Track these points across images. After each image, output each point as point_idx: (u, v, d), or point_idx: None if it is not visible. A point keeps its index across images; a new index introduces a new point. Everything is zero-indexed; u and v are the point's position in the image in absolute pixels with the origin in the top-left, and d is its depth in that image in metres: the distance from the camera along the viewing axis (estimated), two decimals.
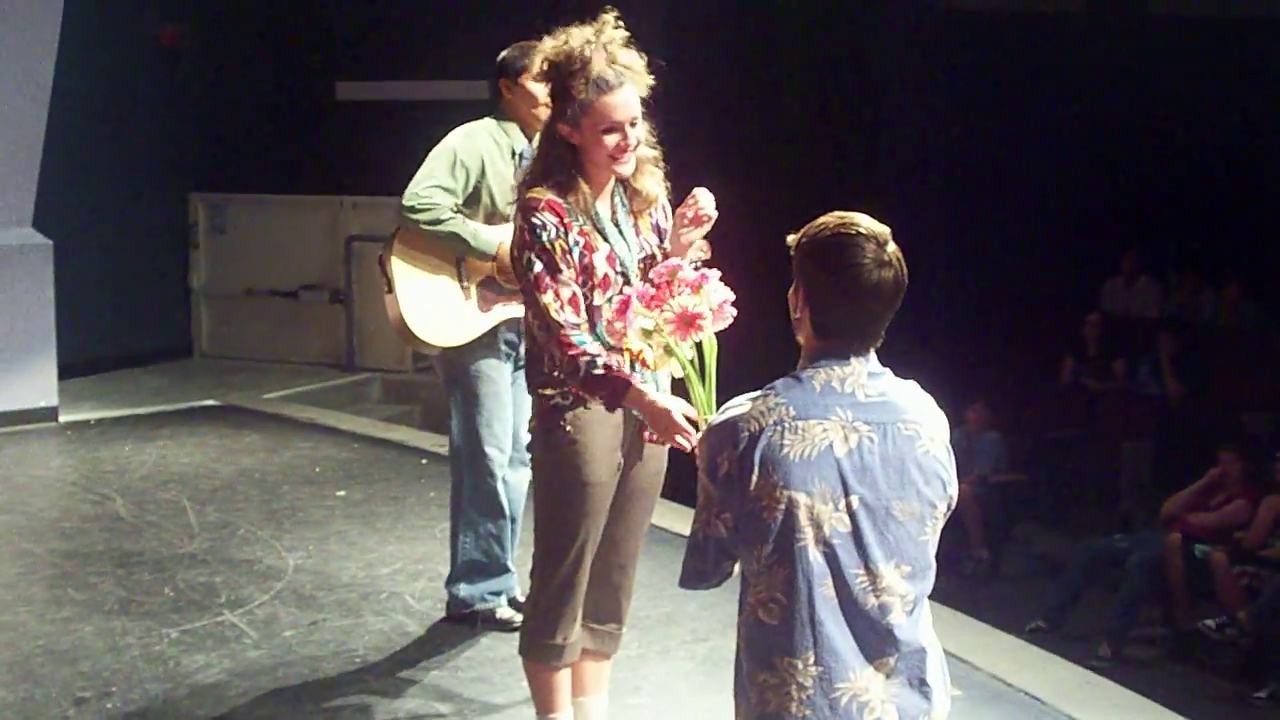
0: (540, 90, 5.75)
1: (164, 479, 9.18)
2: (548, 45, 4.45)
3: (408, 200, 6.00)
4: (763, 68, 15.14)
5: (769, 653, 3.33)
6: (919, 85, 16.84)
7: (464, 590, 6.35)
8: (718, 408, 3.57)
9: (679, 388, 4.25)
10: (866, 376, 3.39)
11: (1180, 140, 16.42)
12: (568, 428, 4.50)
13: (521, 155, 6.11)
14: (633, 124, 4.43)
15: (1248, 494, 10.82)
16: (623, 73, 4.40)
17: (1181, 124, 16.33)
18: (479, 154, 6.07)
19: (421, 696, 5.73)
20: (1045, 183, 16.94)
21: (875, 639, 3.32)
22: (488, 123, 6.16)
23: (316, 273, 14.01)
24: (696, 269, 4.12)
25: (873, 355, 3.44)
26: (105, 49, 12.86)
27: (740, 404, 3.40)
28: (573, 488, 4.54)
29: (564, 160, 4.46)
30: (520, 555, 6.42)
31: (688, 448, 4.11)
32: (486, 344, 6.11)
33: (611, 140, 4.40)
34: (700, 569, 3.48)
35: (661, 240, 4.64)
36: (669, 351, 4.05)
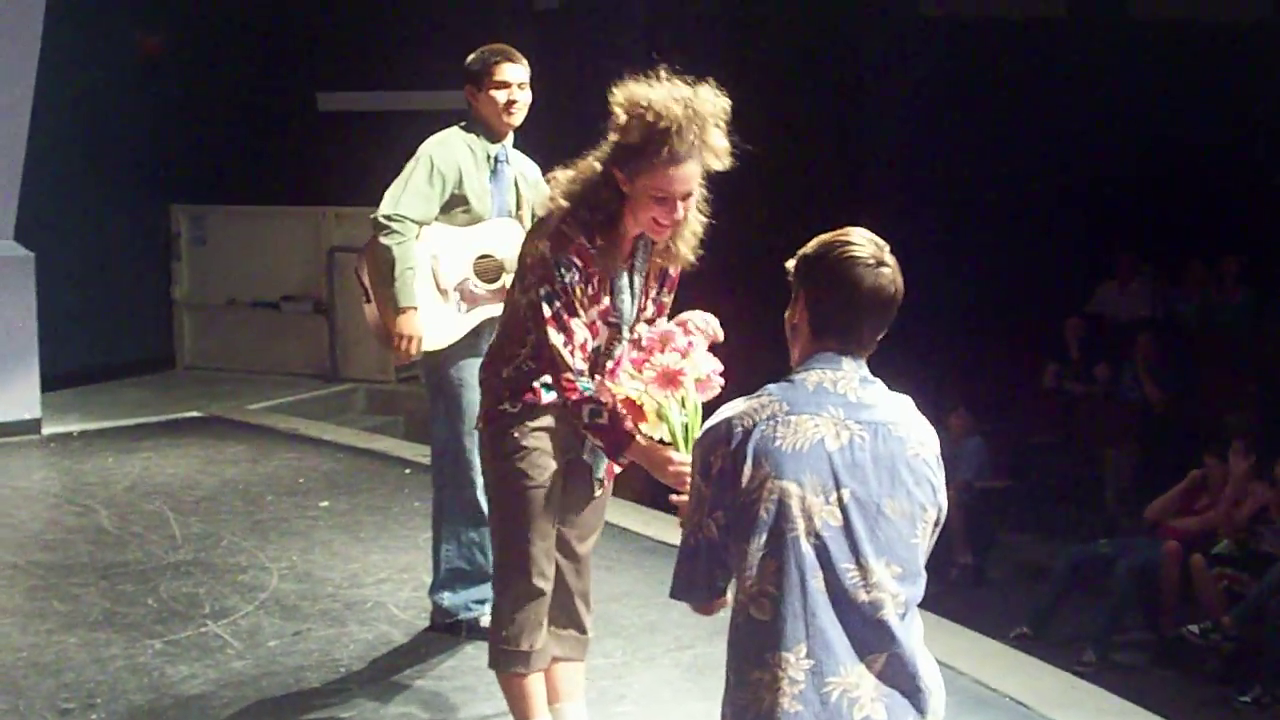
0: (501, 95, 5.98)
1: (147, 490, 9.17)
2: (636, 91, 4.26)
3: (384, 210, 6.01)
4: (744, 74, 15.16)
5: (761, 649, 3.34)
6: (900, 91, 16.85)
7: (448, 599, 6.34)
8: None
9: None
10: (859, 381, 3.46)
11: (1162, 144, 16.43)
12: (515, 434, 4.53)
13: (497, 159, 6.16)
14: (685, 198, 4.30)
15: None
16: (697, 147, 4.24)
17: (1163, 127, 16.35)
18: (455, 162, 6.09)
19: (406, 706, 5.72)
20: (1026, 188, 16.95)
21: (867, 634, 3.34)
22: (459, 130, 6.20)
23: (299, 283, 14.00)
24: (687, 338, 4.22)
25: (864, 364, 3.50)
26: (85, 60, 12.85)
27: (734, 405, 3.45)
28: (522, 494, 4.56)
29: (610, 203, 4.35)
30: None
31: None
32: (469, 351, 6.09)
33: (661, 209, 4.30)
34: (691, 579, 3.49)
35: (664, 289, 4.64)
36: (660, 416, 4.10)
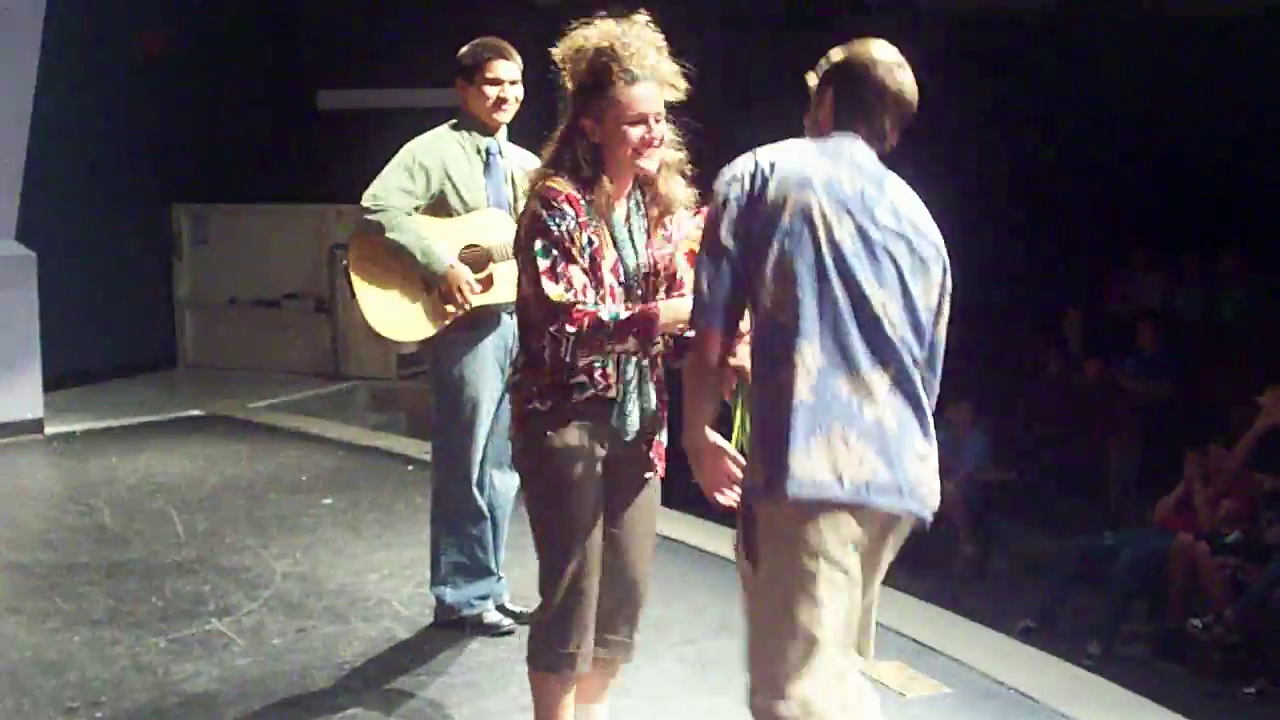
0: (492, 90, 6.02)
1: (151, 489, 9.19)
2: (571, 38, 4.37)
3: (365, 200, 6.08)
4: (740, 70, 15.17)
5: (788, 348, 3.72)
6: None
7: (449, 595, 6.34)
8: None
9: None
10: (870, 160, 3.91)
11: (1168, 137, 16.44)
12: (549, 434, 4.43)
13: (488, 151, 6.17)
14: (657, 119, 4.35)
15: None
16: (648, 68, 4.33)
17: (1167, 121, 16.35)
18: (439, 155, 6.11)
19: (411, 703, 5.71)
20: (1027, 180, 16.96)
21: (880, 342, 3.74)
22: (447, 128, 6.22)
23: (300, 281, 14.01)
24: None
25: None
26: (86, 59, 12.83)
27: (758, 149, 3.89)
28: (561, 493, 4.45)
29: (586, 157, 4.37)
30: (508, 559, 6.45)
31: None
32: (466, 346, 6.10)
33: (636, 133, 4.32)
34: (711, 296, 3.83)
35: (673, 247, 4.60)
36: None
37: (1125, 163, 16.79)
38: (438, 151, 6.12)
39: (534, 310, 4.37)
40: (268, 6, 15.02)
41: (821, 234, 3.74)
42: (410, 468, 9.64)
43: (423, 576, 6.84)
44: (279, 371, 13.74)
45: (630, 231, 4.49)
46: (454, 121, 6.22)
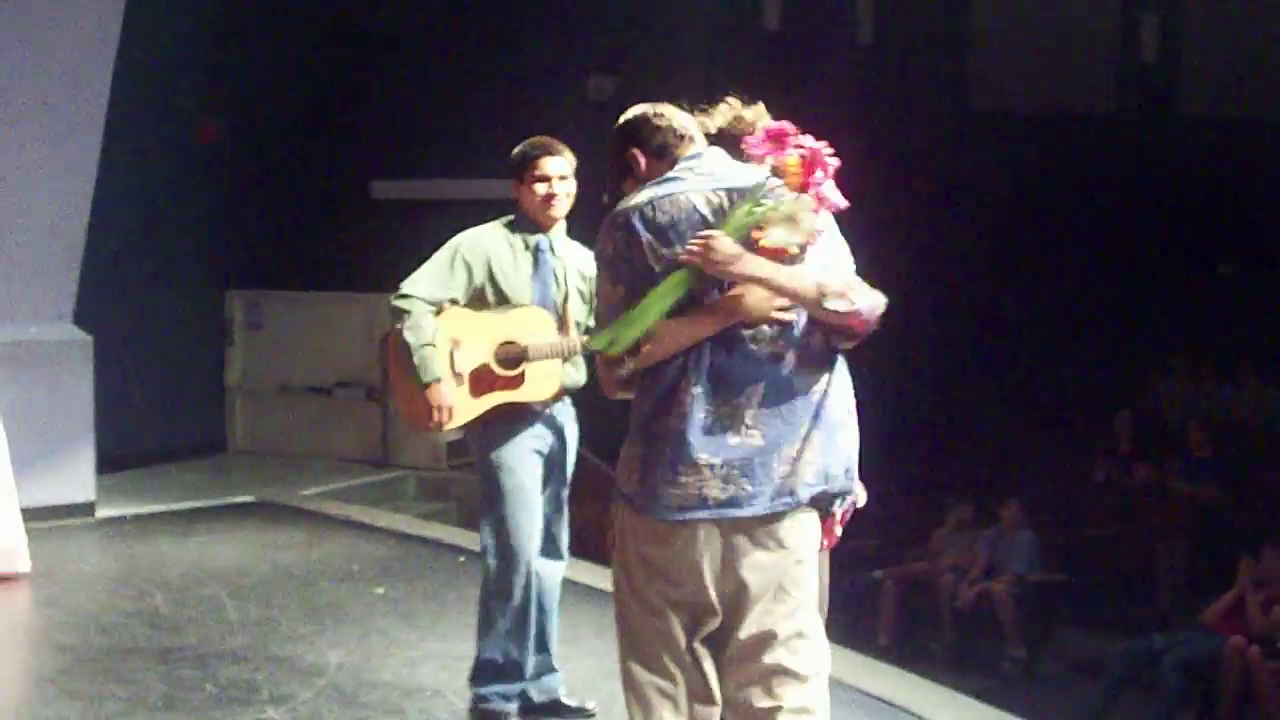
0: (541, 188, 6.09)
1: (203, 575, 9.20)
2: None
3: (399, 290, 6.11)
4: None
5: (669, 373, 4.04)
6: (950, 182, 16.91)
7: (480, 690, 6.29)
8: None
9: None
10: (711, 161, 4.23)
11: (1207, 237, 16.47)
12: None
13: (538, 248, 6.14)
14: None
15: None
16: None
17: (1209, 222, 16.38)
18: (483, 251, 6.11)
19: None
20: (1075, 280, 16.97)
21: (749, 367, 4.00)
22: (499, 223, 6.22)
23: (352, 369, 14.09)
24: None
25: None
26: (145, 145, 13.00)
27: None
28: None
29: None
30: (565, 651, 6.42)
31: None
32: (506, 436, 6.08)
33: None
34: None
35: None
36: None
37: (1174, 261, 16.81)
38: (481, 247, 6.12)
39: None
40: (325, 95, 15.16)
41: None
42: (462, 559, 9.62)
43: None
44: (329, 459, 13.80)
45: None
46: (509, 218, 6.22)
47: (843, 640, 6.42)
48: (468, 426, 6.15)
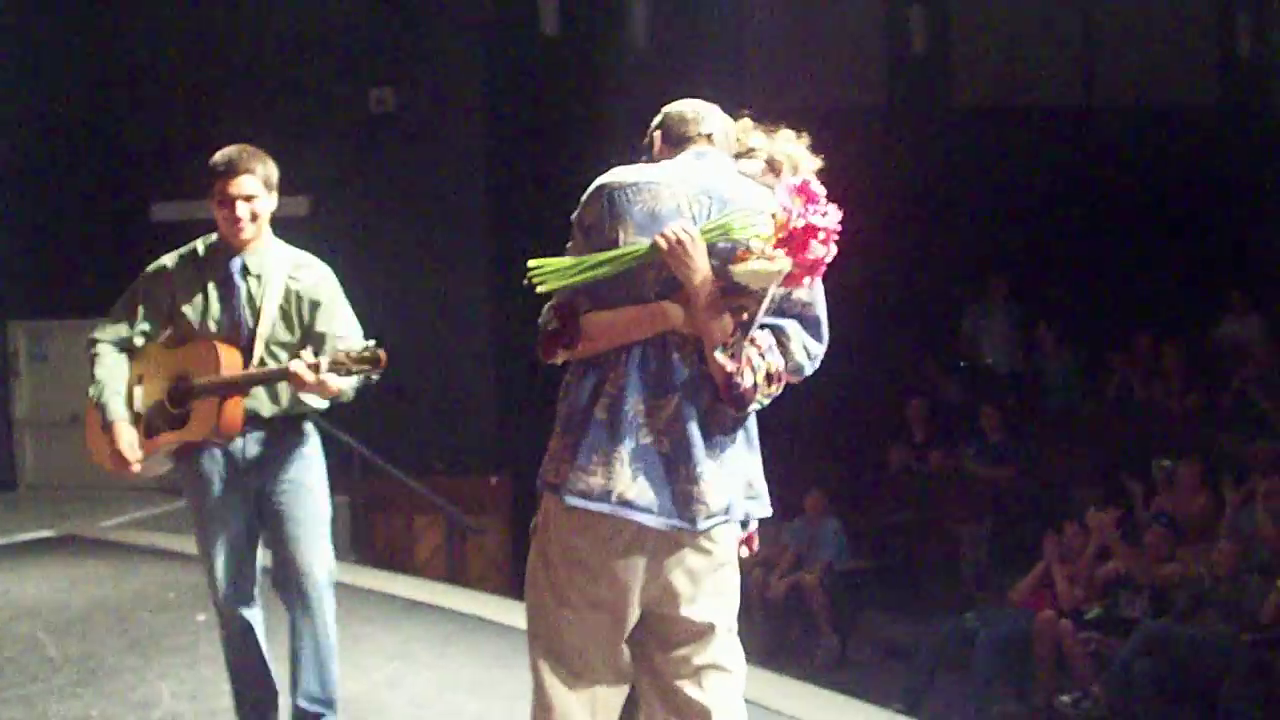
0: (225, 212, 5.58)
1: (14, 613, 8.93)
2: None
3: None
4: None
5: (598, 366, 4.06)
6: None
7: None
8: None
9: None
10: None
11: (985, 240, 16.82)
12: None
13: (229, 271, 5.63)
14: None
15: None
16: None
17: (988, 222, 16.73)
18: (161, 281, 5.65)
19: None
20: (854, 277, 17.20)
21: (665, 375, 4.02)
22: (199, 241, 5.75)
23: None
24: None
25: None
26: None
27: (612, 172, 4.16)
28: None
29: None
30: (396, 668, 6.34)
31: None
32: (194, 475, 5.68)
33: None
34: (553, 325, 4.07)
35: None
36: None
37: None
38: (162, 279, 5.65)
39: None
40: (99, 119, 14.84)
41: (649, 276, 4.05)
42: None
43: None
44: (126, 489, 13.44)
45: None
46: (210, 238, 5.72)
47: None
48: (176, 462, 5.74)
